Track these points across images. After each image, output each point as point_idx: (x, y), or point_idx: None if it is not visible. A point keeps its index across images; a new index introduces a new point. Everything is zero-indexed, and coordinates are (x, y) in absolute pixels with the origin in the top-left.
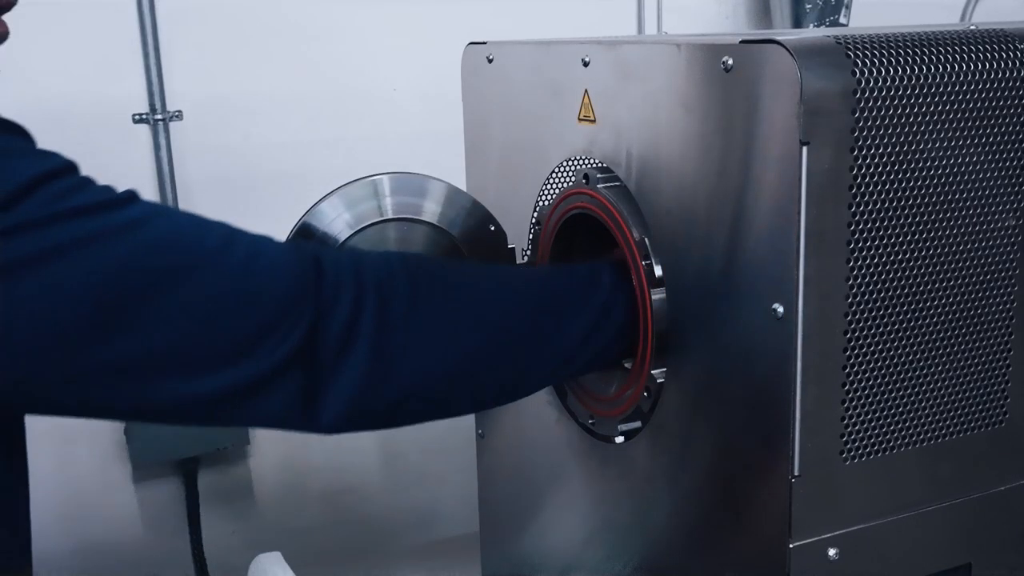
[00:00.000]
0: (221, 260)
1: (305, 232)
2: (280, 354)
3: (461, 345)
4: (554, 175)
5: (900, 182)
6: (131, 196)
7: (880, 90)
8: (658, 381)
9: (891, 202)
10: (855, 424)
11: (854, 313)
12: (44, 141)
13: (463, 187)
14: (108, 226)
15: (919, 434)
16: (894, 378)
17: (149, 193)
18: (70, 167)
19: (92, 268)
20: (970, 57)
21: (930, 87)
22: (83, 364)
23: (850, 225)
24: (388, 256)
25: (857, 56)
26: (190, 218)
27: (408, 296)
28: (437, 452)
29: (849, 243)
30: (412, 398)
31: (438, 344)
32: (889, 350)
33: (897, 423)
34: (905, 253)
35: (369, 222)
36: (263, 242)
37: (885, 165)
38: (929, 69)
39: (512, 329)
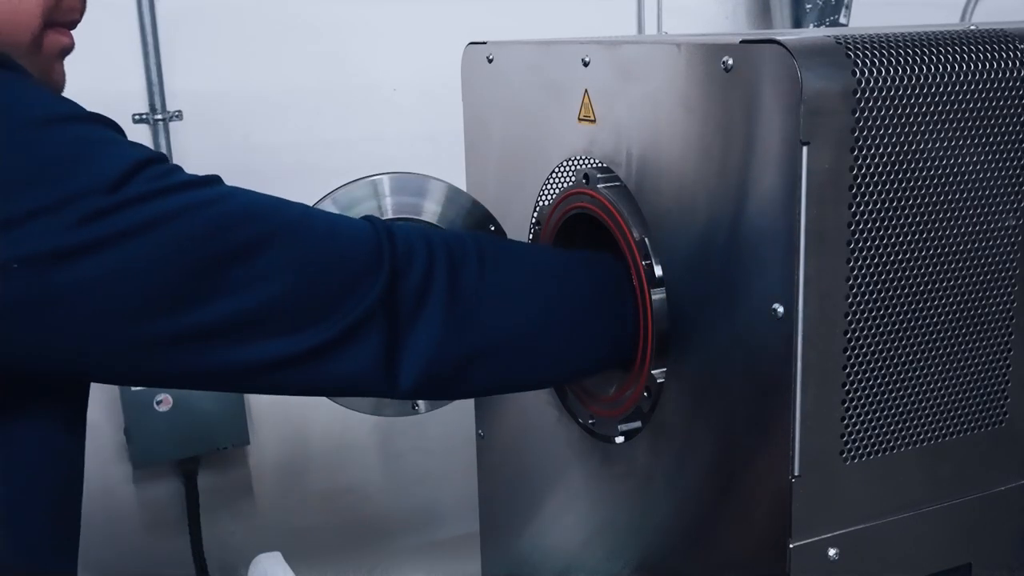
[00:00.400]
0: (304, 227)
1: None
2: (360, 311)
3: (529, 308)
4: (554, 175)
5: (900, 182)
6: (217, 178)
7: (880, 90)
8: (658, 381)
9: (891, 202)
10: (855, 424)
11: (854, 313)
12: None
13: (463, 187)
14: (199, 199)
15: (919, 434)
16: (894, 378)
17: None
18: (163, 156)
19: (186, 235)
20: (970, 57)
21: (930, 87)
22: (178, 328)
23: (850, 225)
24: (454, 230)
25: (857, 56)
26: (271, 196)
27: (477, 260)
28: (437, 452)
29: (849, 243)
30: (484, 357)
31: (507, 306)
32: (889, 350)
33: (897, 423)
34: (905, 253)
35: None
36: (338, 215)
37: (885, 165)
38: (929, 69)
39: (575, 300)
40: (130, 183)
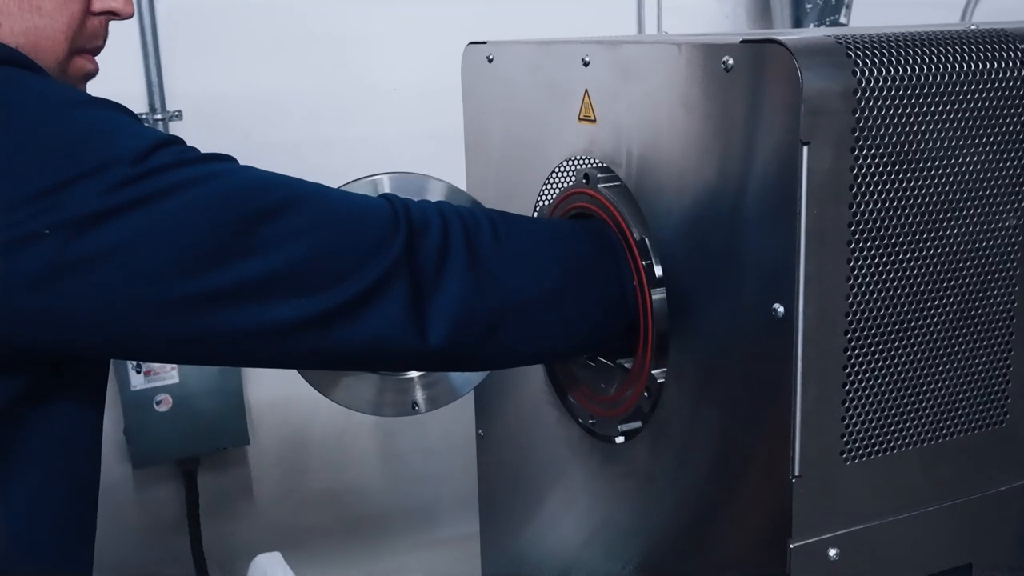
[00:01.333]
0: (323, 195)
1: None
2: (382, 269)
3: (546, 270)
4: (554, 175)
5: (901, 182)
6: (233, 157)
7: (880, 90)
8: (658, 381)
9: (892, 202)
10: (855, 424)
11: (854, 313)
12: None
13: (463, 187)
14: (219, 169)
15: (919, 434)
16: (894, 378)
17: None
18: (181, 139)
19: (208, 199)
20: (970, 57)
21: (930, 87)
22: (202, 288)
23: (850, 225)
24: (465, 204)
25: (857, 56)
26: (285, 174)
27: (490, 228)
28: (437, 452)
29: (849, 243)
30: (509, 315)
31: (525, 268)
32: (890, 350)
33: (897, 423)
34: (906, 253)
35: None
36: (351, 191)
37: (885, 165)
38: (929, 69)
39: (585, 263)
40: (153, 156)
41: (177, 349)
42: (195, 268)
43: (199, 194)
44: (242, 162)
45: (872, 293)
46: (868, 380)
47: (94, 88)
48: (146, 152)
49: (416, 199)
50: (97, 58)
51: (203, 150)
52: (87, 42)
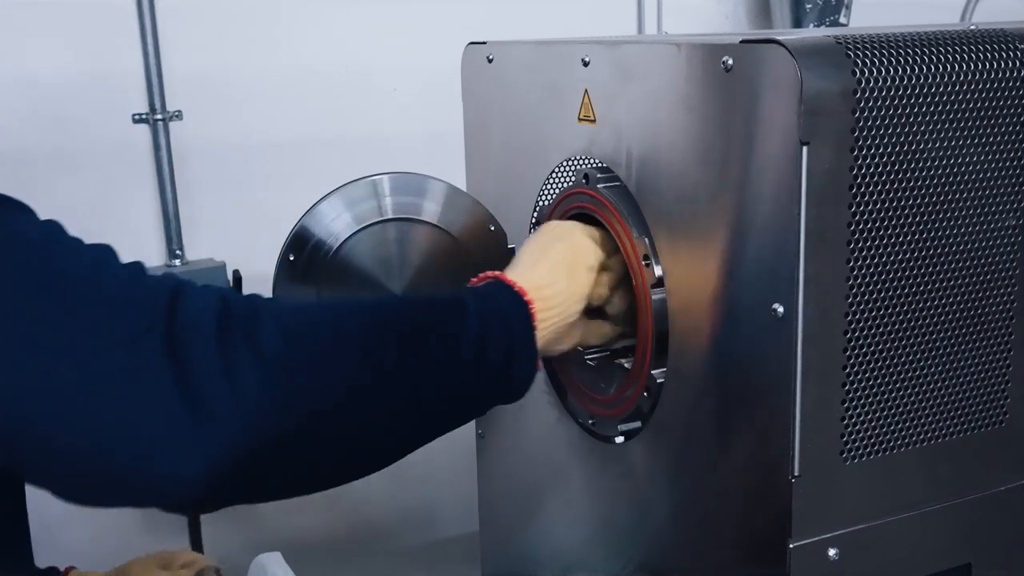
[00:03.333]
0: (72, 267)
1: (305, 232)
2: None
3: (341, 376)
4: (554, 175)
5: (900, 182)
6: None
7: (880, 90)
8: (658, 381)
9: (891, 202)
10: (855, 424)
11: (854, 313)
12: (44, 141)
13: (463, 187)
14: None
15: (919, 434)
16: (894, 378)
17: (149, 193)
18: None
19: None
20: (970, 57)
21: (930, 87)
22: None
23: (850, 225)
24: (251, 297)
25: (857, 56)
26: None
27: (278, 331)
28: (437, 453)
29: (849, 243)
30: (303, 430)
31: (318, 374)
32: (889, 350)
33: (897, 423)
34: (905, 253)
35: (369, 222)
36: (113, 257)
37: (885, 165)
38: (929, 69)
39: (394, 357)
40: None
41: None
42: None
43: None
44: (242, 162)
45: (872, 293)
46: (868, 380)
47: (96, 88)
48: None
49: (415, 199)
50: (96, 56)
51: (203, 150)
52: None
